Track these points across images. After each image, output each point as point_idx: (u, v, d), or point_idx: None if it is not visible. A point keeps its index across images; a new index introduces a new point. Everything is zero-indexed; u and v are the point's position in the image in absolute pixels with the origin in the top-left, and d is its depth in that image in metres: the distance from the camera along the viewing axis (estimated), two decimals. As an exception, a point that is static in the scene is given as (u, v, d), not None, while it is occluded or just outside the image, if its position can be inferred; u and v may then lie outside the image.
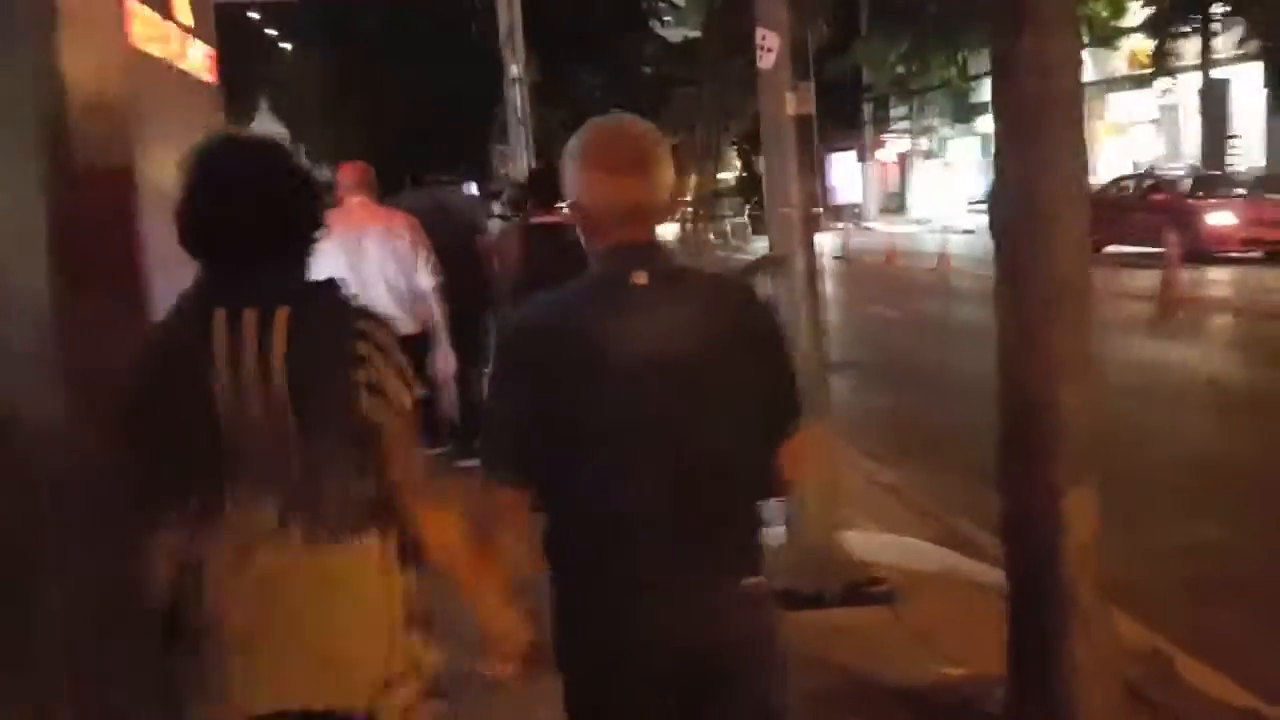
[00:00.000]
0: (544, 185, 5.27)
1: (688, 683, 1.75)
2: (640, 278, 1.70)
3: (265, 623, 1.67)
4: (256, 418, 1.66)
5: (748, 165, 52.33)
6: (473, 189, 12.97)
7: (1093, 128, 30.25)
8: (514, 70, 13.16)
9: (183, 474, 1.68)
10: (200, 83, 4.10)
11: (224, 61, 4.40)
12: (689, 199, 56.55)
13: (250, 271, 1.71)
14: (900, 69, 27.34)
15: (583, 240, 1.81)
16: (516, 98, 13.23)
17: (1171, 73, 20.54)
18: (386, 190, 5.68)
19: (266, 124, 10.82)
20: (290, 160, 1.80)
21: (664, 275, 1.73)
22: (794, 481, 1.89)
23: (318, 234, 1.79)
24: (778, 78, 3.96)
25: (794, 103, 3.94)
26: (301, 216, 1.77)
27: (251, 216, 1.70)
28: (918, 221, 30.26)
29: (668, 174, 1.77)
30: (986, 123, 31.17)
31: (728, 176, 59.76)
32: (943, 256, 17.79)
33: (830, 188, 37.84)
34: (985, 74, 29.39)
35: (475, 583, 1.78)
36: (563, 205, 5.48)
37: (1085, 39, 24.66)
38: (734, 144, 55.55)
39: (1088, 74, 28.00)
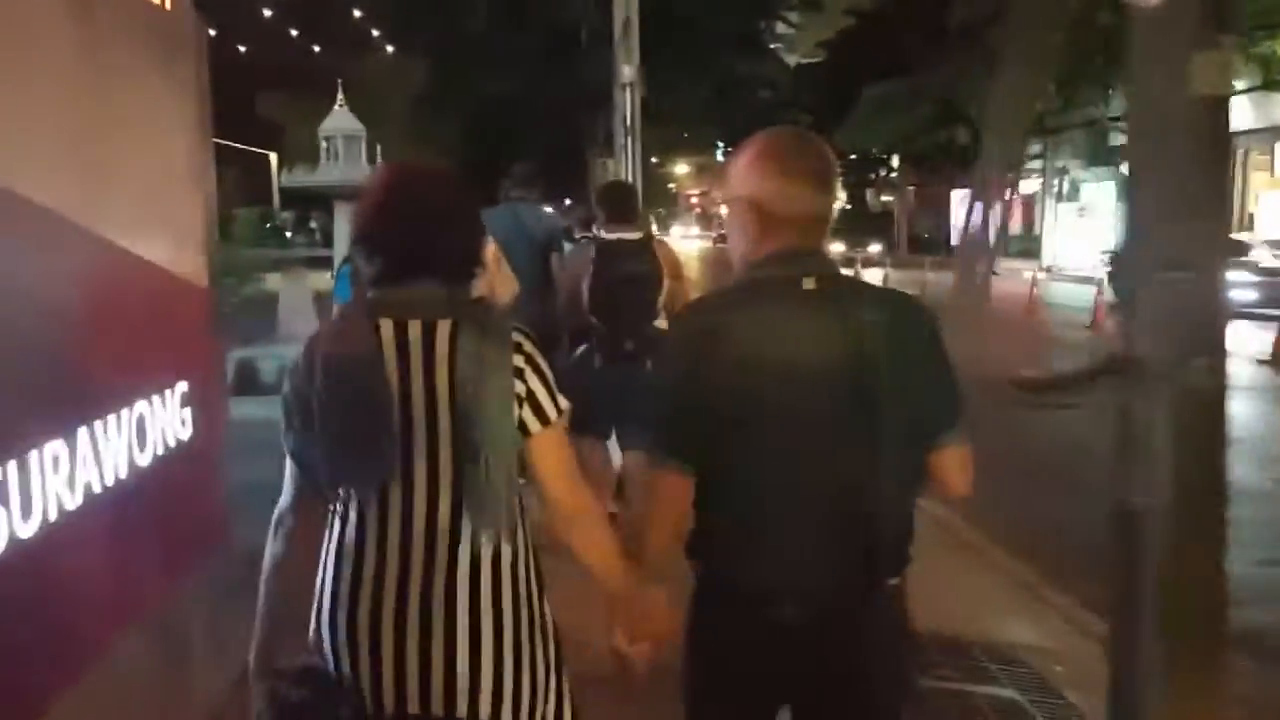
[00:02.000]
0: (613, 200, 4.92)
1: (816, 679, 1.80)
2: (810, 282, 1.76)
3: (415, 624, 1.70)
4: (420, 425, 1.72)
5: (858, 196, 50.33)
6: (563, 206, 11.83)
7: (1254, 180, 27.48)
8: (626, 73, 11.45)
9: (353, 475, 1.72)
10: (143, 4, 2.38)
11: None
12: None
13: (412, 288, 1.77)
14: (1038, 105, 24.96)
15: (747, 238, 1.83)
16: (626, 104, 11.50)
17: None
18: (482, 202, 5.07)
19: (342, 120, 9.26)
20: (461, 190, 1.88)
21: (831, 281, 1.79)
22: (944, 489, 1.85)
23: (478, 261, 1.86)
24: (1175, 27, 2.06)
25: (1207, 72, 2.05)
26: (466, 241, 1.86)
27: (427, 239, 1.79)
28: (1047, 270, 27.73)
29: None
30: (1125, 166, 28.99)
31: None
32: (1099, 309, 15.37)
33: (955, 228, 35.51)
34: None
35: (618, 566, 1.82)
36: (629, 222, 4.74)
37: (1259, 81, 22.16)
38: (840, 172, 53.87)
39: (1250, 120, 25.54)
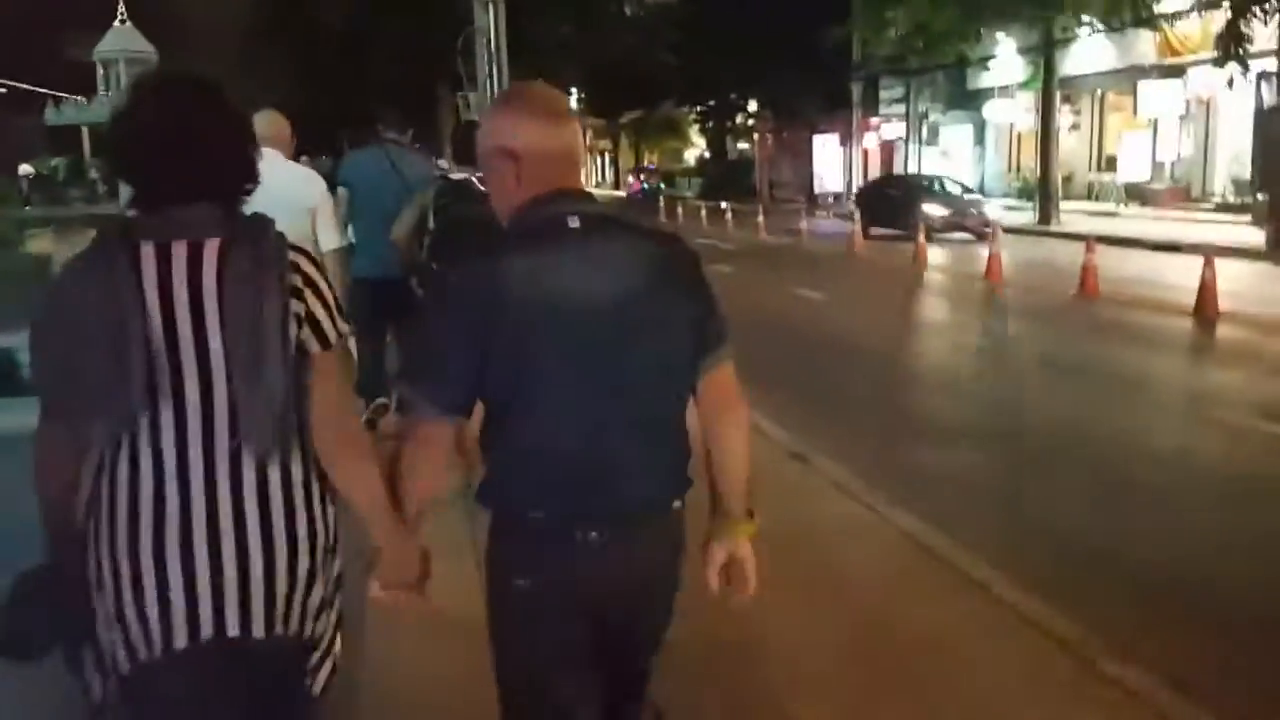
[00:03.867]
0: (464, 140, 5.09)
1: (616, 603, 1.89)
2: (574, 221, 1.82)
3: (203, 546, 1.69)
4: (188, 348, 1.69)
5: (716, 145, 49.31)
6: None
7: (1114, 121, 27.66)
8: (489, -15, 9.72)
9: (113, 402, 1.66)
10: None
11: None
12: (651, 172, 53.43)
13: (178, 208, 1.72)
14: (915, 42, 24.08)
15: (507, 189, 1.87)
16: (490, 25, 9.78)
17: (1241, 60, 17.50)
18: (318, 148, 5.05)
19: (123, 39, 7.20)
20: (226, 103, 1.81)
21: (595, 219, 1.85)
22: (724, 406, 1.96)
23: (249, 177, 1.82)
24: None
25: None
26: (231, 159, 1.80)
27: (182, 155, 1.73)
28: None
29: None
30: (991, 109, 28.37)
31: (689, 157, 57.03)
32: (993, 259, 14.40)
33: (817, 174, 34.80)
34: (991, 57, 26.94)
35: (379, 511, 1.82)
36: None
37: (1124, 20, 21.89)
38: (696, 120, 52.61)
39: (1110, 61, 25.55)
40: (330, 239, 4.55)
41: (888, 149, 34.43)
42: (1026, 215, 24.06)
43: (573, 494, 1.80)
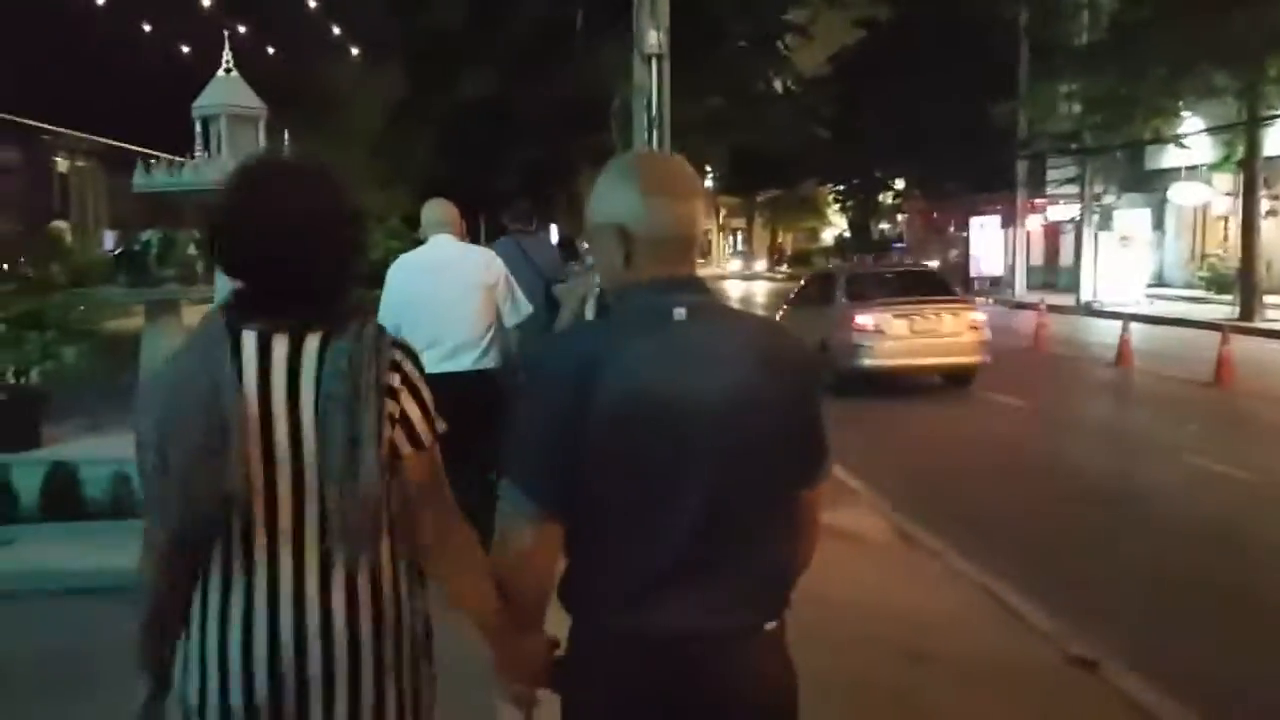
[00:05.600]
0: None
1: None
2: (680, 312, 1.70)
3: (289, 653, 1.68)
4: (284, 443, 1.66)
5: (859, 224, 47.51)
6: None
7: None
8: (651, 40, 8.38)
9: (210, 499, 1.64)
10: None
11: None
12: (785, 254, 51.93)
13: (283, 297, 1.69)
14: (1092, 119, 22.07)
15: (614, 269, 1.74)
16: (652, 81, 8.41)
17: None
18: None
19: (228, 92, 6.06)
20: (338, 190, 1.75)
21: (703, 310, 1.73)
22: (812, 529, 1.84)
23: (356, 267, 1.77)
24: None
25: None
26: (340, 249, 1.74)
27: (289, 245, 1.68)
28: (1085, 306, 24.93)
29: None
30: (1178, 191, 25.74)
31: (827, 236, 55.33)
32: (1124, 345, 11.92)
33: (974, 257, 32.55)
34: (1179, 135, 24.49)
35: (485, 611, 1.78)
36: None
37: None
38: (837, 198, 50.99)
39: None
40: (510, 314, 4.79)
41: (1053, 232, 31.98)
42: (1219, 309, 21.38)
43: (651, 607, 1.65)
